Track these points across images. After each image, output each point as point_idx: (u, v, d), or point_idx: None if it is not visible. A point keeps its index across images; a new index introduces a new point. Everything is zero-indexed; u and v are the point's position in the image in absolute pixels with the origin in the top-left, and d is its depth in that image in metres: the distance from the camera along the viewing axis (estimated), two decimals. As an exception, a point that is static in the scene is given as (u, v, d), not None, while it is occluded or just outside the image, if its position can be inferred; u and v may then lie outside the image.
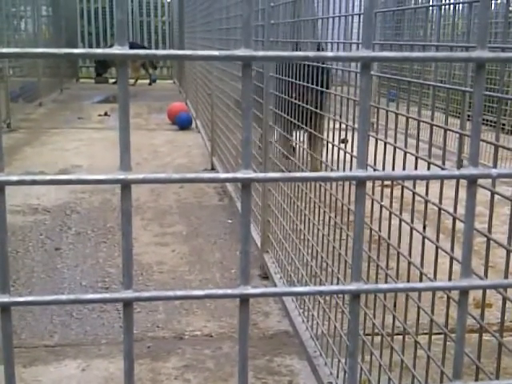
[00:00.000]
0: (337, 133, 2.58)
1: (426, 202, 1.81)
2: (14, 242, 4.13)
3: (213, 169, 6.29)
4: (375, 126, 2.22)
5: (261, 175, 0.63)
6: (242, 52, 0.59)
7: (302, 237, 2.99)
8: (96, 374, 2.62)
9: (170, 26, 16.63)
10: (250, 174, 0.62)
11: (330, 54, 0.61)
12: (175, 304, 3.24)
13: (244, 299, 0.66)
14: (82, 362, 2.72)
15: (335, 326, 2.48)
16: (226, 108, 5.42)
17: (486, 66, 0.64)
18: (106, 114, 9.87)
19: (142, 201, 5.12)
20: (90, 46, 16.83)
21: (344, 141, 2.50)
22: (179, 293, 0.66)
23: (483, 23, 0.61)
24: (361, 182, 0.64)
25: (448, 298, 1.70)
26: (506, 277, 1.37)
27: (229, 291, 0.66)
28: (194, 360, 2.74)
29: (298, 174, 0.63)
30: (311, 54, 0.59)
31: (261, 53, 0.60)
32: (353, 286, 0.66)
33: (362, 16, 2.11)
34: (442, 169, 1.71)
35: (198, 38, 8.43)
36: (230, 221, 4.63)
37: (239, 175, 0.63)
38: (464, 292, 0.67)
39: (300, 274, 2.99)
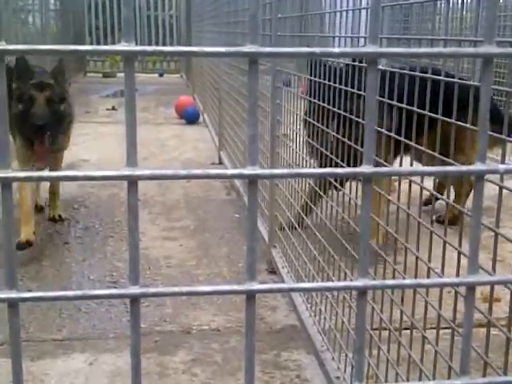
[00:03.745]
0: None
1: (434, 196, 1.81)
2: (23, 236, 4.13)
3: (220, 163, 6.29)
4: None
5: (267, 171, 0.63)
6: (248, 48, 0.59)
7: (310, 231, 2.99)
8: (104, 368, 2.63)
9: (177, 20, 16.61)
10: (257, 171, 0.62)
11: (336, 50, 0.60)
12: (183, 298, 3.24)
13: (250, 295, 0.66)
14: (89, 355, 2.73)
15: (342, 321, 2.48)
16: (233, 102, 5.41)
17: (493, 61, 0.63)
18: (113, 108, 9.87)
19: (150, 195, 5.12)
20: (98, 41, 16.82)
21: None
22: (185, 289, 0.66)
23: (491, 18, 0.61)
24: (368, 179, 0.64)
25: (456, 292, 1.69)
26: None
27: (235, 287, 0.66)
28: (201, 354, 2.75)
29: (304, 170, 0.63)
30: (317, 49, 0.59)
31: (267, 49, 0.60)
32: (360, 283, 0.65)
33: (369, 10, 2.09)
34: (451, 164, 1.71)
35: (206, 32, 8.42)
36: (237, 215, 4.63)
37: (246, 171, 0.63)
38: (471, 288, 0.67)
39: (307, 269, 2.99)
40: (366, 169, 0.63)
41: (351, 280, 2.38)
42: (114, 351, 2.76)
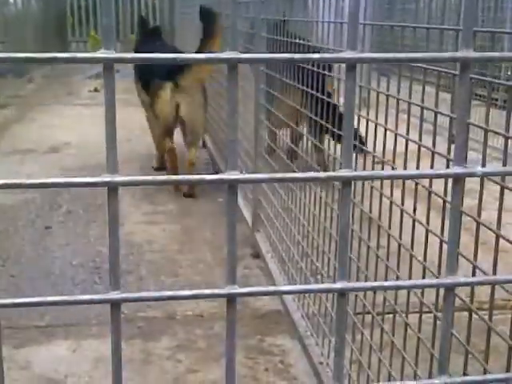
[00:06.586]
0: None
1: (417, 183, 1.81)
2: (4, 220, 4.12)
3: (204, 146, 6.27)
4: (367, 101, 2.22)
5: (246, 176, 0.63)
6: (227, 54, 0.59)
7: (293, 215, 3.00)
8: (87, 355, 2.64)
9: (160, 0, 16.45)
10: (236, 176, 0.63)
11: (315, 55, 0.60)
12: (167, 283, 3.25)
13: (231, 299, 0.66)
14: (72, 342, 2.73)
15: (326, 306, 2.49)
16: (217, 84, 5.39)
17: (470, 65, 0.64)
18: (95, 90, 9.80)
19: (133, 179, 5.10)
20: (80, 20, 16.61)
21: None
22: (167, 293, 0.66)
23: (469, 24, 0.61)
24: (347, 182, 0.64)
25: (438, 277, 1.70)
26: (494, 270, 1.38)
27: (216, 291, 0.66)
28: (185, 340, 2.76)
29: (285, 175, 0.63)
30: (297, 56, 0.59)
31: (246, 55, 0.60)
32: (339, 285, 0.66)
33: None
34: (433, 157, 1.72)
35: (190, 13, 8.36)
36: (220, 199, 4.62)
37: (225, 176, 0.63)
38: (449, 289, 0.68)
39: (291, 253, 3.00)
40: (345, 172, 0.64)
41: (334, 267, 2.40)
42: (97, 337, 2.76)
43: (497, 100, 6.59)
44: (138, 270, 3.41)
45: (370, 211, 2.12)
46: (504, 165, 1.29)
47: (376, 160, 2.12)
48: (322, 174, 0.64)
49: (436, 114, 1.73)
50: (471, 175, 0.66)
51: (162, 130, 4.68)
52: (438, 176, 0.66)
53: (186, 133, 4.80)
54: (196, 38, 7.31)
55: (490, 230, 1.47)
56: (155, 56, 0.60)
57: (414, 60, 0.63)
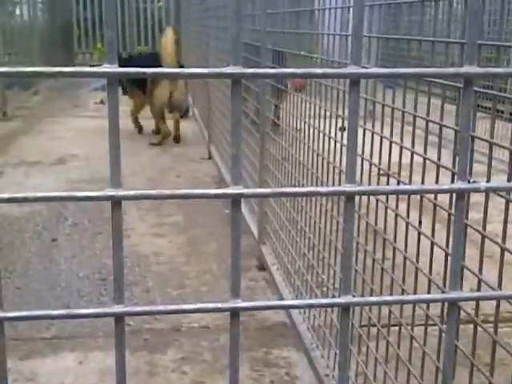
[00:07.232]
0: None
1: (422, 196, 1.81)
2: (11, 232, 4.13)
3: (210, 157, 6.29)
4: (373, 113, 2.22)
5: (250, 191, 0.63)
6: (231, 69, 0.60)
7: (299, 228, 3.00)
8: (93, 367, 2.64)
9: (166, 12, 16.52)
10: (240, 190, 0.63)
11: (318, 70, 0.61)
12: (172, 295, 3.25)
13: (234, 313, 0.66)
14: (79, 354, 2.73)
15: (331, 319, 2.49)
16: (222, 96, 5.41)
17: (473, 81, 0.64)
18: (101, 102, 9.82)
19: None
20: (86, 32, 16.68)
21: (342, 129, 2.48)
22: (170, 307, 0.66)
23: (472, 41, 0.61)
24: (350, 197, 0.64)
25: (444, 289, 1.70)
26: (499, 284, 1.37)
27: (219, 305, 0.66)
28: (191, 352, 2.75)
29: (288, 190, 0.63)
30: (299, 70, 0.59)
31: (250, 70, 0.60)
32: (343, 299, 0.66)
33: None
34: (437, 166, 1.72)
35: (196, 25, 8.39)
36: (227, 211, 4.62)
37: (229, 191, 0.63)
38: (453, 304, 0.67)
39: (297, 266, 2.99)
40: (348, 187, 0.64)
41: (340, 279, 2.39)
42: (104, 349, 2.76)
43: (503, 112, 6.58)
44: (144, 281, 3.41)
45: (376, 224, 2.12)
46: (509, 179, 1.29)
47: (381, 172, 2.12)
48: (324, 189, 0.64)
49: (441, 126, 1.73)
50: (475, 190, 0.66)
51: (159, 110, 7.03)
52: (442, 191, 0.66)
53: (172, 110, 7.09)
54: (200, 45, 7.39)
55: (496, 243, 1.47)
56: (157, 71, 0.60)
57: (417, 75, 0.63)
